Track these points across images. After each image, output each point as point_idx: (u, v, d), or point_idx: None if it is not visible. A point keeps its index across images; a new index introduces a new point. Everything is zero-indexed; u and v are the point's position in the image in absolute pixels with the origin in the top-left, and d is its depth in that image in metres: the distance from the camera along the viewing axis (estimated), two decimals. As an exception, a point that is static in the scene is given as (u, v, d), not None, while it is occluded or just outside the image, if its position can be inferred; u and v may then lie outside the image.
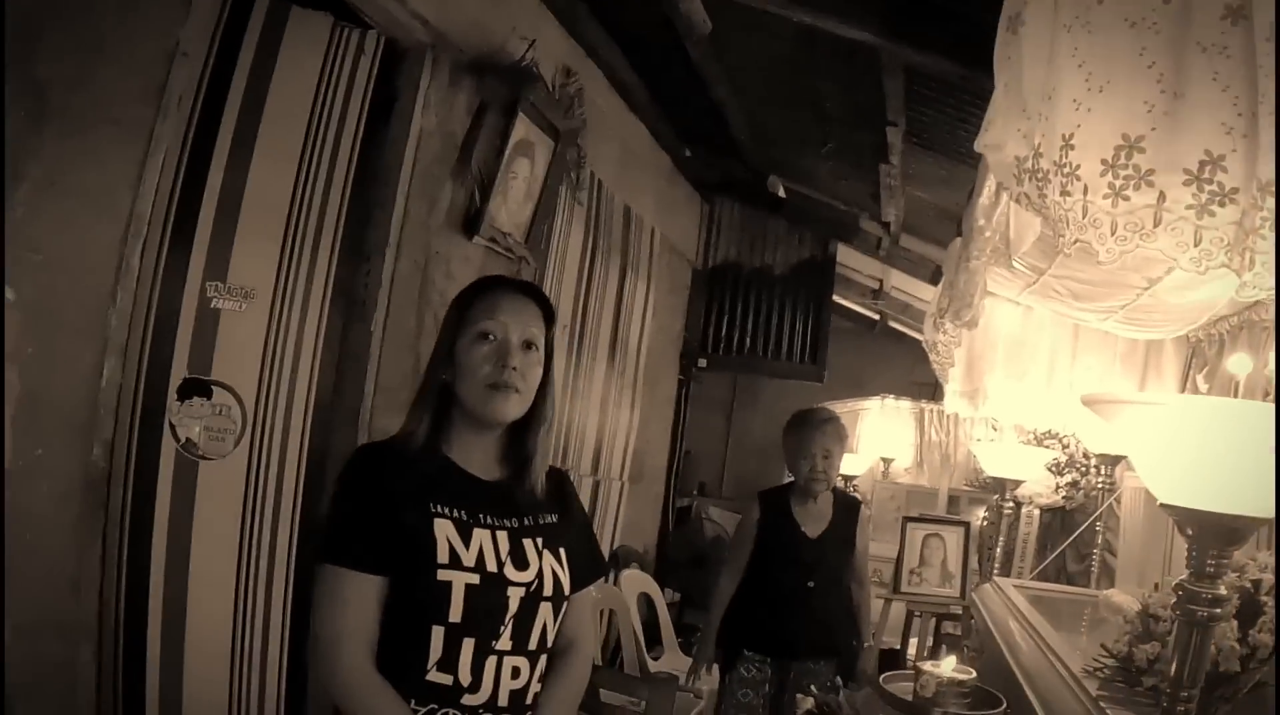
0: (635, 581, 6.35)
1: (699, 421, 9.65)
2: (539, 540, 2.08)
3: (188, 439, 3.32)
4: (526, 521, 2.09)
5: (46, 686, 2.79)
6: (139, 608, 3.23)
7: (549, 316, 2.14)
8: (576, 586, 2.17)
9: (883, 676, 2.62)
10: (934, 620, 5.84)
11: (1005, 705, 2.42)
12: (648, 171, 6.90)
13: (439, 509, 1.99)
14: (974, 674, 2.48)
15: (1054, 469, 5.82)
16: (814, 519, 4.37)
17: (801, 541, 4.34)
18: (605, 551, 6.69)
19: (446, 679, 1.93)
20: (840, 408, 6.11)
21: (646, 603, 6.48)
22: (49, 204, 2.67)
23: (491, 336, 2.03)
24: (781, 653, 4.36)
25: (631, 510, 7.28)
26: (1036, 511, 6.18)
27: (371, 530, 1.95)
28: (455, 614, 1.92)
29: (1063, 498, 5.85)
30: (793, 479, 4.41)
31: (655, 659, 5.95)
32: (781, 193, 7.52)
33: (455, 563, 1.94)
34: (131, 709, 3.21)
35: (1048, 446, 5.72)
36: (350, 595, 1.92)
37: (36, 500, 2.72)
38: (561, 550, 2.13)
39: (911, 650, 5.78)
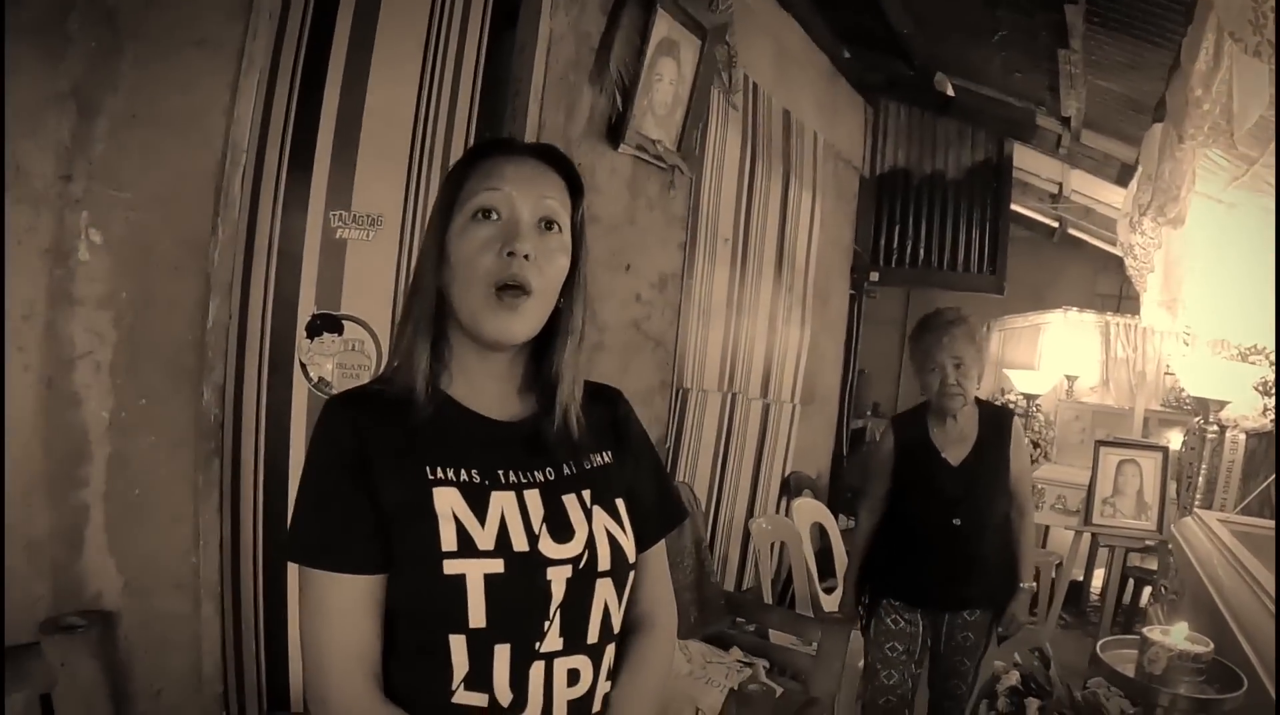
0: (808, 511, 5.92)
1: (872, 339, 9.15)
2: (585, 494, 1.54)
3: (320, 378, 3.13)
4: (566, 470, 1.55)
5: (168, 642, 2.63)
6: (278, 559, 3.07)
7: (575, 187, 1.57)
8: (645, 544, 1.65)
9: (1100, 644, 2.21)
10: (1124, 553, 5.40)
11: (1246, 686, 1.96)
12: (805, 73, 6.39)
13: (439, 473, 1.45)
14: (1210, 646, 2.02)
15: (1261, 389, 5.12)
16: (955, 442, 3.73)
17: (942, 471, 3.72)
18: (777, 479, 6.39)
19: (479, 699, 1.42)
20: (1019, 322, 5.70)
21: (820, 532, 6.06)
22: (132, 137, 2.46)
23: (493, 213, 1.47)
24: (928, 603, 3.79)
25: (803, 434, 6.87)
26: (1242, 436, 5.44)
27: (349, 516, 1.43)
28: (477, 617, 1.40)
29: (1271, 421, 5.16)
30: (926, 397, 3.82)
31: (828, 591, 5.53)
32: (950, 91, 6.95)
33: (467, 548, 1.41)
34: (274, 664, 3.08)
35: (1253, 363, 5.13)
36: (331, 603, 1.42)
37: (142, 452, 2.55)
38: (618, 502, 1.59)
39: (1096, 583, 5.38)
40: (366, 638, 1.43)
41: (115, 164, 2.44)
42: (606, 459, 1.62)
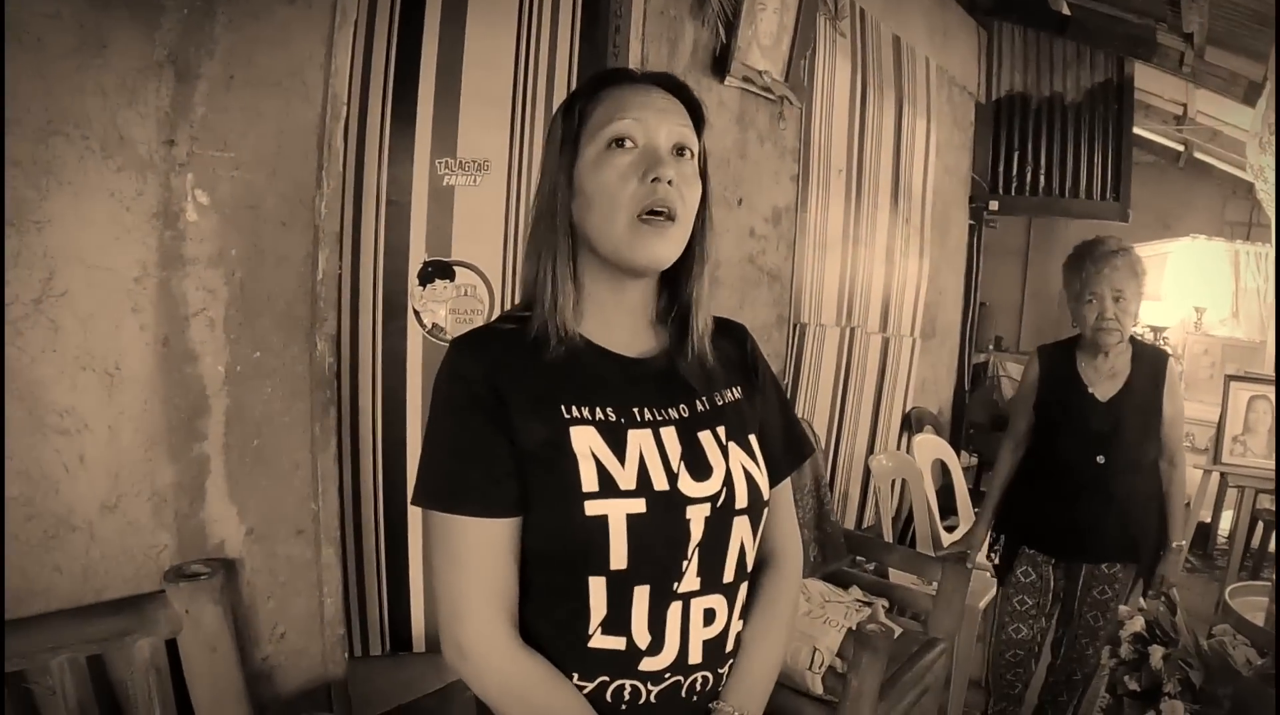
0: (929, 447, 5.80)
1: (992, 270, 8.83)
2: (720, 430, 1.51)
3: (434, 324, 3.15)
4: (700, 406, 1.51)
5: (290, 587, 2.69)
6: (398, 499, 3.12)
7: (697, 115, 1.52)
8: (774, 480, 1.61)
9: (1229, 590, 2.11)
10: (1254, 494, 5.14)
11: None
12: None
13: (575, 412, 1.41)
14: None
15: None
16: (1105, 377, 3.54)
17: (1089, 406, 3.53)
18: (897, 414, 6.26)
19: (617, 643, 1.41)
20: (1144, 251, 5.44)
21: (941, 469, 5.94)
22: (231, 99, 2.48)
23: (628, 141, 1.42)
24: (1065, 551, 3.64)
25: (924, 369, 6.71)
26: (1379, 369, 5.19)
27: (485, 458, 1.40)
28: (619, 559, 1.37)
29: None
30: (1078, 330, 3.62)
31: (950, 530, 5.42)
32: (1066, 9, 6.59)
33: (609, 488, 1.37)
34: (395, 606, 3.13)
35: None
36: (467, 548, 1.39)
37: (260, 403, 2.60)
38: (752, 438, 1.55)
39: (1224, 526, 5.15)
40: (504, 582, 1.42)
41: (217, 126, 2.46)
42: (737, 394, 1.59)
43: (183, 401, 2.47)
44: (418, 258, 3.14)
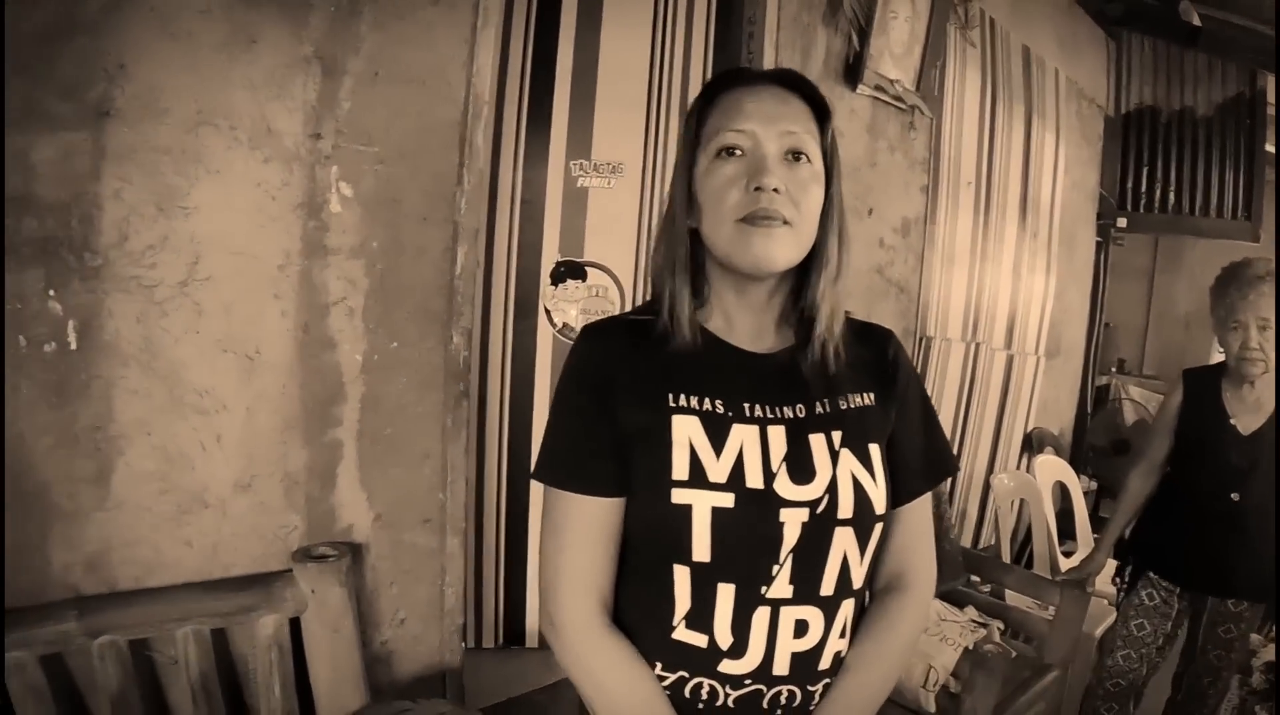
0: (1050, 468, 5.58)
1: (1118, 289, 8.31)
2: (835, 435, 1.42)
3: (564, 323, 3.15)
4: (818, 408, 1.44)
5: (414, 575, 2.71)
6: (520, 494, 3.12)
7: (822, 113, 1.46)
8: (906, 497, 1.51)
9: None
10: None
11: None
12: (1043, 6, 5.95)
13: (681, 401, 1.39)
14: None
15: None
16: (1250, 410, 3.26)
17: (1229, 438, 3.26)
18: (1019, 433, 6.07)
19: (699, 639, 1.38)
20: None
21: (1061, 492, 5.72)
22: (376, 94, 2.52)
23: (737, 150, 1.39)
24: (1194, 581, 3.37)
25: (1046, 388, 6.48)
26: None
27: (589, 437, 1.41)
28: (701, 550, 1.34)
29: None
30: (1223, 356, 3.37)
31: (1066, 555, 5.23)
32: (1196, 20, 6.16)
33: (698, 478, 1.34)
34: (512, 600, 3.13)
35: None
36: (568, 524, 1.42)
37: (394, 393, 2.62)
38: (873, 447, 1.45)
39: None
40: (599, 561, 1.42)
41: (361, 120, 2.50)
42: (867, 401, 1.49)
43: (319, 388, 2.50)
44: (550, 257, 3.15)
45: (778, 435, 1.39)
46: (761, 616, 1.36)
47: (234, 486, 2.41)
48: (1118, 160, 7.15)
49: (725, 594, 1.36)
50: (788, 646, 1.38)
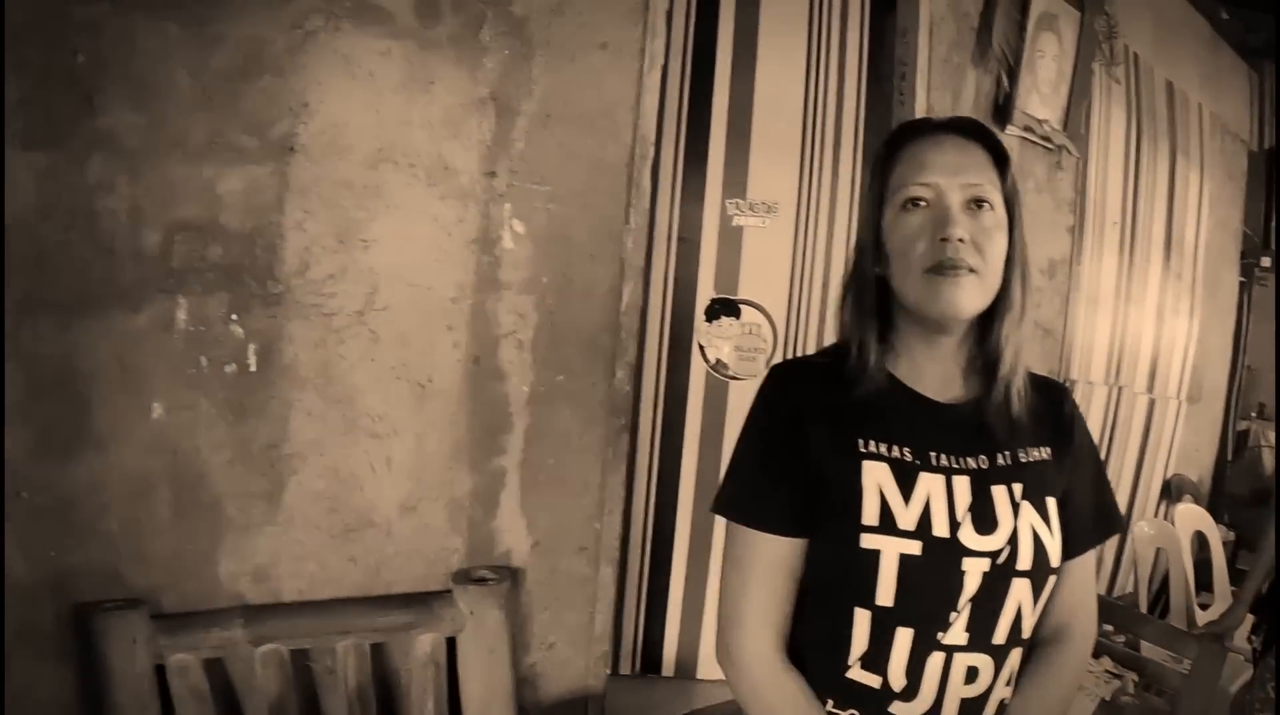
0: (1190, 517, 5.10)
1: (1260, 332, 7.51)
2: (1016, 487, 1.38)
3: (718, 360, 3.10)
4: (1000, 460, 1.39)
5: (566, 601, 2.66)
6: (666, 526, 3.09)
7: (1000, 160, 1.40)
8: (1074, 551, 1.45)
9: None
10: None
11: None
12: (1185, 39, 5.56)
13: (871, 447, 1.36)
14: None
15: None
16: None
17: None
18: (1158, 480, 5.71)
19: (873, 679, 1.34)
20: None
21: (1199, 542, 5.35)
22: (548, 135, 2.48)
23: (921, 202, 1.36)
24: None
25: (1187, 433, 6.06)
26: None
27: (778, 476, 1.38)
28: (885, 595, 1.31)
29: None
30: None
31: (1203, 607, 4.96)
32: None
33: (887, 524, 1.31)
34: (652, 631, 3.10)
35: None
36: (752, 561, 1.39)
37: (558, 424, 2.57)
38: (1049, 501, 1.40)
39: None
40: (779, 599, 1.40)
41: (534, 160, 2.46)
42: (1044, 455, 1.44)
43: (487, 417, 2.46)
44: (705, 294, 3.10)
45: (962, 485, 1.36)
46: (935, 661, 1.33)
47: (400, 508, 2.37)
48: (1262, 197, 6.62)
49: (903, 638, 1.32)
50: (957, 692, 1.34)
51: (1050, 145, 4.00)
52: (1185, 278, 5.72)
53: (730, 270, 3.10)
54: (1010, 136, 3.75)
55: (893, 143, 1.44)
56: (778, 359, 3.12)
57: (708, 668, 3.22)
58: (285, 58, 2.19)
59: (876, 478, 1.34)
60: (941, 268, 1.32)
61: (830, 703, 1.37)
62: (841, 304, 1.48)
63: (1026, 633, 1.39)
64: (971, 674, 1.35)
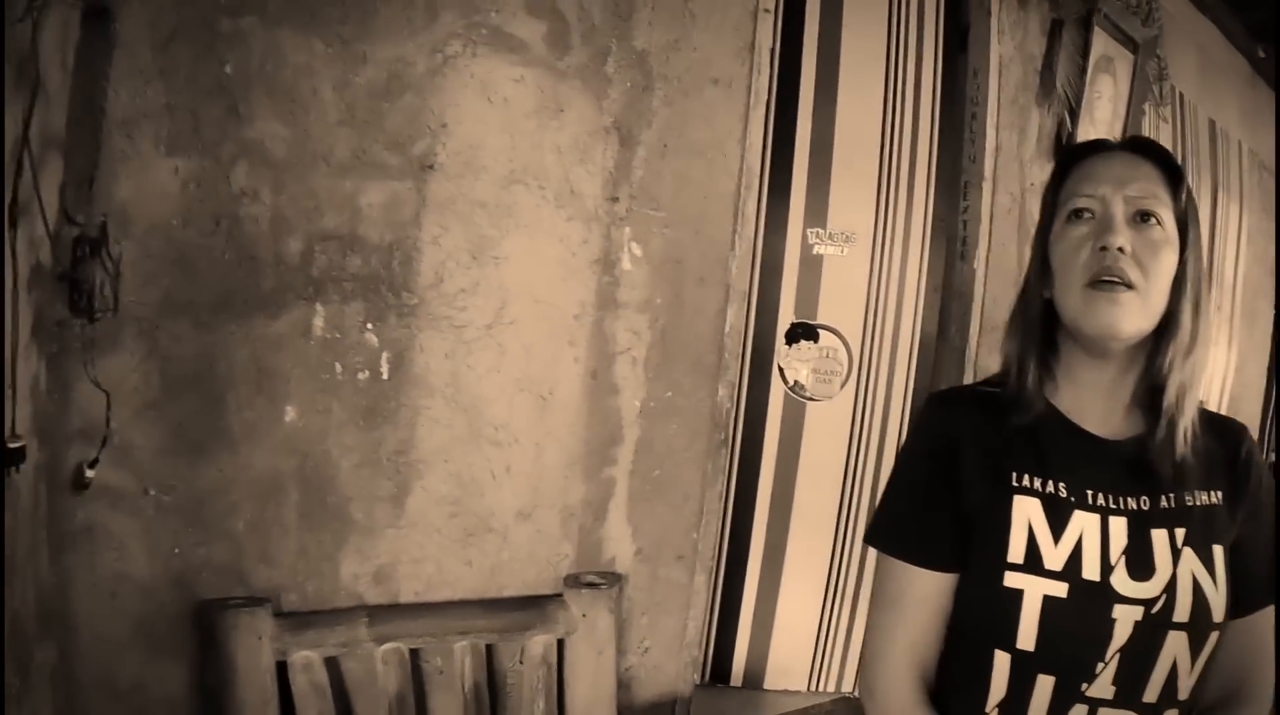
0: None
1: None
2: (1178, 532, 1.19)
3: (796, 381, 3.03)
4: (1163, 502, 1.20)
5: (662, 607, 2.57)
6: (742, 538, 3.05)
7: (1174, 179, 1.23)
8: (1248, 607, 1.23)
9: None
10: None
11: None
12: (1226, 78, 5.36)
13: (1024, 481, 1.21)
14: None
15: None
16: None
17: None
18: None
19: None
20: None
21: None
22: (665, 165, 2.37)
23: (1087, 213, 1.21)
24: None
25: None
26: None
27: (930, 509, 1.24)
28: (1026, 639, 1.15)
29: None
30: None
31: None
32: None
33: (1033, 563, 1.16)
34: (723, 641, 3.07)
35: None
36: (898, 594, 1.25)
37: (665, 437, 2.43)
38: (1217, 549, 1.20)
39: None
40: (926, 636, 1.24)
41: (652, 187, 2.35)
42: (1214, 500, 1.24)
43: (602, 429, 2.34)
44: (786, 318, 3.05)
45: (1119, 526, 1.19)
46: (1078, 714, 1.15)
47: (516, 515, 2.25)
48: None
49: (1044, 686, 1.16)
50: None
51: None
52: (1225, 310, 5.56)
53: (810, 295, 3.04)
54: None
55: (1066, 159, 1.29)
56: (852, 381, 3.09)
57: (774, 679, 3.17)
58: (426, 79, 2.07)
59: (1027, 513, 1.19)
60: (1100, 282, 1.17)
61: None
62: (1007, 329, 1.32)
63: (1183, 694, 1.18)
64: None
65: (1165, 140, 4.49)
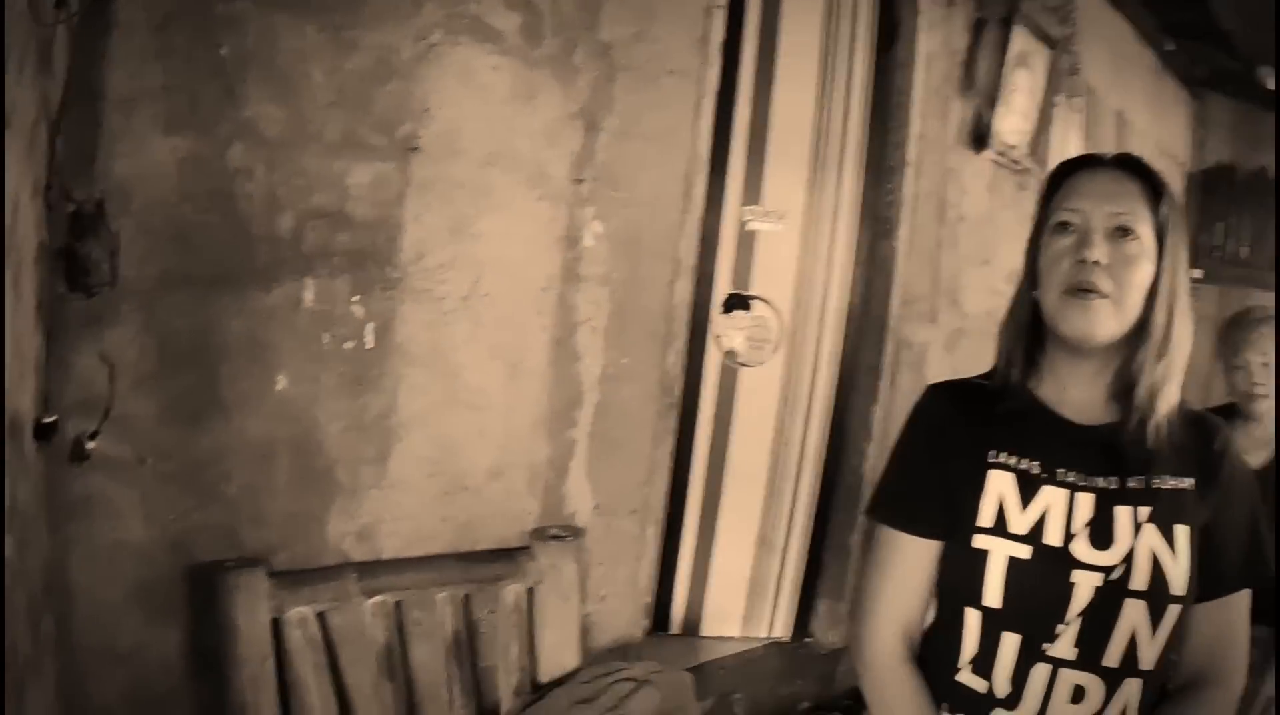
0: None
1: (1196, 340, 7.87)
2: (1142, 510, 1.28)
3: (731, 348, 3.26)
4: (1131, 482, 1.30)
5: (617, 557, 2.76)
6: (680, 492, 3.16)
7: (1155, 194, 1.32)
8: (1214, 591, 1.33)
9: None
10: None
11: None
12: (1135, 70, 5.68)
13: (1000, 457, 1.32)
14: None
15: None
16: (1258, 446, 2.87)
17: None
18: None
19: (980, 684, 1.29)
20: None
21: None
22: (624, 149, 2.53)
23: (1069, 226, 1.32)
24: None
25: None
26: None
27: (921, 482, 1.37)
28: (992, 596, 1.27)
29: None
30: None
31: None
32: (1271, 85, 5.83)
33: (1000, 527, 1.28)
34: (663, 591, 3.23)
35: None
36: (889, 560, 1.37)
37: (621, 400, 2.62)
38: (1180, 528, 1.29)
39: None
40: (913, 600, 1.36)
41: (613, 170, 2.51)
42: (1185, 485, 1.33)
43: (565, 393, 2.50)
44: (722, 290, 3.17)
45: (1085, 501, 1.29)
46: (1040, 673, 1.26)
47: (488, 473, 2.39)
48: (1195, 214, 6.61)
49: (1010, 643, 1.27)
50: (1062, 709, 1.26)
51: (1017, 167, 4.21)
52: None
53: (744, 269, 3.22)
54: (985, 159, 3.96)
55: (1059, 173, 1.42)
56: (783, 348, 3.30)
57: (711, 625, 3.32)
58: (411, 66, 2.17)
59: (999, 484, 1.31)
60: (1076, 290, 1.28)
61: (945, 707, 1.33)
62: (1001, 325, 1.46)
63: (1145, 663, 1.27)
64: (1078, 693, 1.26)
65: (1075, 129, 4.75)
